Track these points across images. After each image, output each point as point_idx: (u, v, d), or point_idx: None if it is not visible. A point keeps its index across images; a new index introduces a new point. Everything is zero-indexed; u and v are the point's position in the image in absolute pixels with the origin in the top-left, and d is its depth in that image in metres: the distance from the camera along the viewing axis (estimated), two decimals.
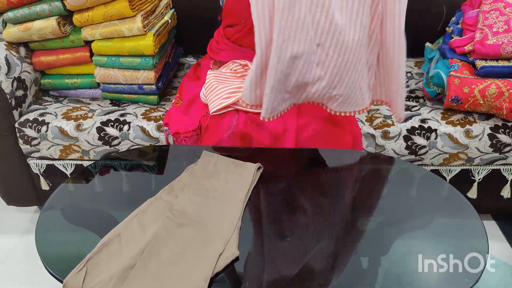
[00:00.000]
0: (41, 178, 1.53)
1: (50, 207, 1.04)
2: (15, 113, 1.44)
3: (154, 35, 1.42)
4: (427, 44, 1.72)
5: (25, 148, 1.47)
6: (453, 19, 1.67)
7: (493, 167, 1.42)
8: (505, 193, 1.48)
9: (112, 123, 1.43)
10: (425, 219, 1.00)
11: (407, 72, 1.70)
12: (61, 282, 0.84)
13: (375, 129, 1.41)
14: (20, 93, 1.45)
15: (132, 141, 1.42)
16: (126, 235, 0.92)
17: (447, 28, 1.63)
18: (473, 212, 0.98)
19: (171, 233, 0.92)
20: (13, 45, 1.48)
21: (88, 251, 0.89)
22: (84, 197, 1.15)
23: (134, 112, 1.47)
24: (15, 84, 1.42)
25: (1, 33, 1.47)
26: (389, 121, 1.41)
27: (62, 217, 1.05)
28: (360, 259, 0.90)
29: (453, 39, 1.49)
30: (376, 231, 0.98)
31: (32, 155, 1.49)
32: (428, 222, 1.00)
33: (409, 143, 1.37)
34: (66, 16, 1.43)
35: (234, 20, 1.41)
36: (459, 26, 1.57)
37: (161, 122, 1.43)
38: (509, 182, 1.45)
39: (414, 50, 1.80)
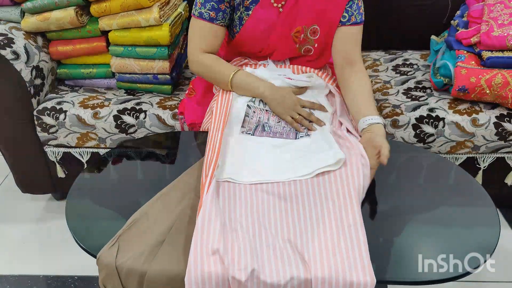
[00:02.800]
0: (58, 165, 1.57)
1: (76, 189, 1.08)
2: (34, 101, 1.47)
3: (169, 25, 1.46)
4: (433, 37, 1.77)
5: (42, 135, 1.50)
6: (458, 12, 1.72)
7: (498, 155, 1.47)
8: (509, 180, 1.53)
9: (129, 112, 1.46)
10: (438, 204, 1.04)
11: (413, 64, 1.75)
12: (94, 257, 0.87)
13: (384, 118, 1.46)
14: (38, 81, 1.48)
15: (148, 129, 1.46)
16: (153, 214, 0.96)
17: (452, 21, 1.68)
18: (489, 201, 1.01)
19: (196, 212, 0.96)
20: (31, 34, 1.51)
21: (115, 229, 0.93)
22: (106, 182, 1.18)
23: (150, 101, 1.51)
24: (34, 72, 1.46)
25: (20, 22, 1.50)
26: (398, 110, 1.46)
27: (88, 199, 1.09)
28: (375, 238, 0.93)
29: (459, 31, 1.54)
30: (391, 217, 1.01)
31: (49, 143, 1.52)
32: (441, 208, 1.03)
33: (417, 131, 1.42)
34: (84, 6, 1.47)
35: (248, 50, 1.36)
36: (464, 19, 1.62)
37: (176, 110, 1.47)
38: None
39: (420, 43, 1.85)
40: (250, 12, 1.25)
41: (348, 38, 1.26)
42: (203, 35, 1.25)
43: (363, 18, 1.26)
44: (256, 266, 0.81)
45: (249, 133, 1.17)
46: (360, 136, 1.13)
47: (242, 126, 1.18)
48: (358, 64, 1.25)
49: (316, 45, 1.30)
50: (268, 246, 0.86)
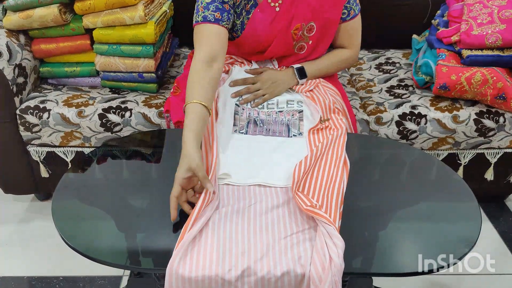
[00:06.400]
0: (41, 165, 1.55)
1: (62, 188, 1.06)
2: (16, 100, 1.45)
3: (155, 23, 1.46)
4: (414, 36, 1.81)
5: (25, 135, 1.48)
6: (438, 12, 1.76)
7: (478, 151, 1.51)
8: (489, 176, 1.58)
9: (114, 110, 1.45)
10: (422, 199, 1.06)
11: (396, 63, 1.78)
12: (84, 256, 0.86)
13: (368, 115, 1.48)
14: (20, 80, 1.46)
15: (134, 128, 1.45)
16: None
17: (433, 21, 1.71)
18: (471, 196, 1.03)
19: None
20: (13, 32, 1.49)
21: (103, 228, 0.92)
22: (92, 181, 1.17)
23: (135, 100, 1.50)
24: (16, 71, 1.44)
25: (1, 20, 1.48)
26: (381, 108, 1.48)
27: (75, 199, 1.07)
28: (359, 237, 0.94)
29: (440, 30, 1.57)
30: (375, 212, 1.02)
31: (32, 142, 1.50)
32: (425, 202, 1.05)
33: (400, 128, 1.45)
34: (67, 4, 1.45)
35: (247, 50, 1.36)
36: (445, 18, 1.66)
37: (162, 109, 1.47)
38: (492, 165, 1.55)
39: (402, 42, 1.88)
40: (250, 16, 1.27)
41: (348, 31, 1.35)
42: (209, 39, 1.15)
43: (360, 6, 1.33)
44: (246, 265, 0.81)
45: (242, 132, 1.17)
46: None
47: (234, 125, 1.18)
48: (351, 49, 1.39)
49: (310, 42, 1.33)
50: (262, 244, 0.85)
